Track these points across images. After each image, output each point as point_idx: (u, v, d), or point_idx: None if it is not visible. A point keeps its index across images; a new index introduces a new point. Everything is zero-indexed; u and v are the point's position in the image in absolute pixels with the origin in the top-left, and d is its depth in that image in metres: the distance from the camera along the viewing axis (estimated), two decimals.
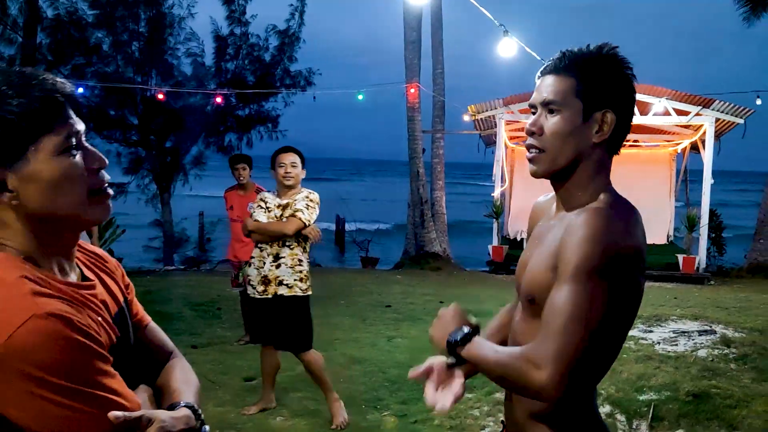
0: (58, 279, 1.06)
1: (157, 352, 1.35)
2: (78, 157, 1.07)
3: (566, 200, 1.48)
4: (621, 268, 1.31)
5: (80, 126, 1.10)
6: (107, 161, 1.13)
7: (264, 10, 16.56)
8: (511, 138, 14.70)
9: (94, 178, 1.10)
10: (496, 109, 13.00)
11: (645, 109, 12.58)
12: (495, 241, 13.21)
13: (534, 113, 1.49)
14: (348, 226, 22.35)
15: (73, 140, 1.07)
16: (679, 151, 15.36)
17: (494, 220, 13.19)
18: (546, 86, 1.45)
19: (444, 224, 14.37)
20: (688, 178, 15.58)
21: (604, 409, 4.38)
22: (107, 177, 1.13)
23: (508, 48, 6.78)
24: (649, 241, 12.79)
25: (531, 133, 1.48)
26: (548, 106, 1.44)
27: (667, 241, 15.36)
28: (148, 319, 1.37)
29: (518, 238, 14.32)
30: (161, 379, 1.30)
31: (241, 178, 6.24)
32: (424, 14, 14.04)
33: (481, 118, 13.51)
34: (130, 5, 14.10)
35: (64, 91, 1.07)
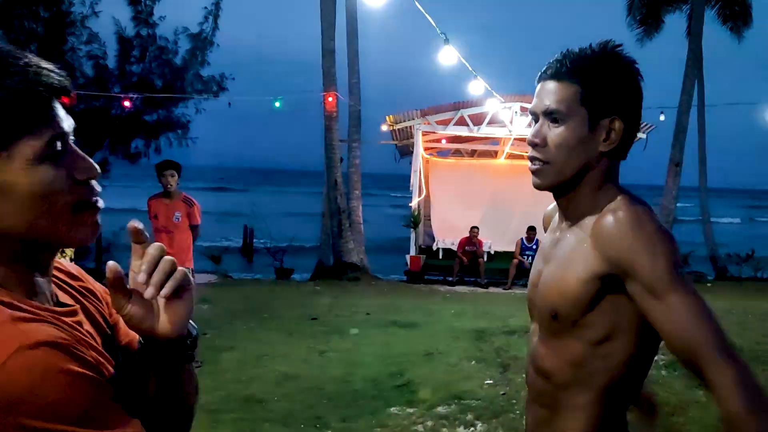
0: (33, 304, 0.86)
1: None
2: (62, 166, 0.87)
3: (572, 211, 1.39)
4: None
5: (68, 125, 0.89)
6: (99, 170, 0.92)
7: (173, 13, 16.00)
8: (426, 149, 14.84)
9: (82, 190, 0.89)
10: (413, 119, 13.09)
11: None
12: (412, 251, 13.26)
13: (535, 121, 1.39)
14: (260, 237, 21.87)
15: (58, 144, 0.86)
16: None
17: (412, 230, 13.24)
18: (547, 93, 1.35)
19: (361, 234, 14.28)
20: None
21: None
22: (98, 189, 0.92)
23: (448, 56, 6.79)
24: None
25: (534, 145, 1.38)
26: (551, 116, 1.35)
27: None
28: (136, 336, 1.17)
29: (434, 248, 14.44)
30: None
31: (169, 186, 5.86)
32: (339, 24, 13.98)
33: (399, 129, 13.57)
34: (27, 3, 13.21)
35: (50, 83, 0.86)
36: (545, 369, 1.40)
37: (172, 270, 0.89)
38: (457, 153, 17.27)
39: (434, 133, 13.65)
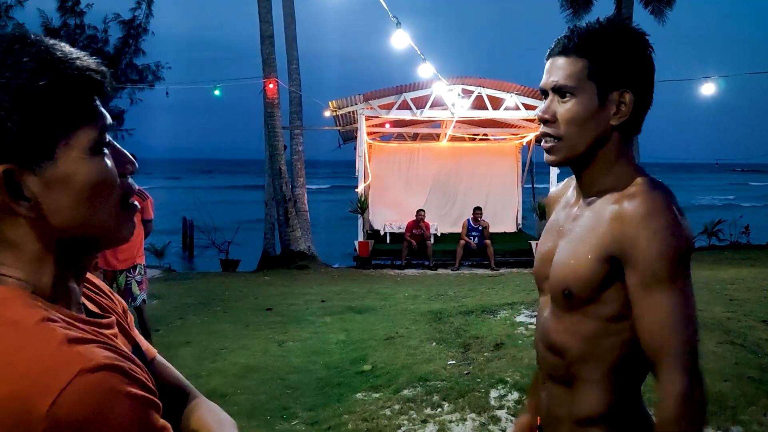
0: (75, 316, 0.81)
1: (172, 391, 1.10)
2: (111, 158, 0.84)
3: (589, 186, 1.40)
4: (691, 254, 1.26)
5: (109, 118, 0.86)
6: (137, 165, 0.89)
7: (101, 0, 15.41)
8: (369, 134, 14.81)
9: (125, 185, 0.86)
10: (356, 104, 13.01)
11: (497, 104, 13.18)
12: (360, 237, 13.24)
13: (545, 98, 1.39)
14: (202, 229, 21.42)
15: (107, 136, 0.83)
16: (524, 143, 16.28)
17: (359, 215, 13.21)
18: (556, 69, 1.35)
19: (307, 222, 14.17)
20: (534, 169, 16.58)
21: (513, 396, 4.47)
22: (136, 186, 0.90)
23: (400, 40, 6.75)
24: (501, 229, 13.37)
25: (544, 121, 1.38)
26: (560, 91, 1.35)
27: (517, 229, 16.25)
28: (153, 351, 1.12)
29: (382, 232, 14.46)
30: (191, 425, 1.07)
31: None
32: (276, 9, 13.74)
33: (342, 114, 13.48)
34: None
35: (102, 71, 0.82)
36: (557, 344, 1.40)
37: None
38: (400, 137, 17.31)
39: (377, 117, 13.62)
